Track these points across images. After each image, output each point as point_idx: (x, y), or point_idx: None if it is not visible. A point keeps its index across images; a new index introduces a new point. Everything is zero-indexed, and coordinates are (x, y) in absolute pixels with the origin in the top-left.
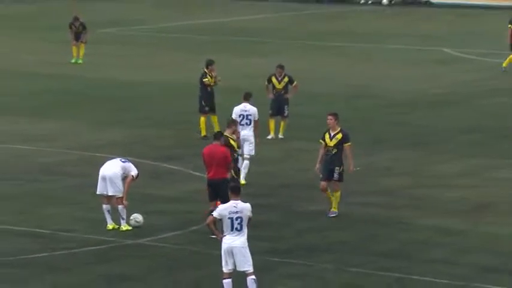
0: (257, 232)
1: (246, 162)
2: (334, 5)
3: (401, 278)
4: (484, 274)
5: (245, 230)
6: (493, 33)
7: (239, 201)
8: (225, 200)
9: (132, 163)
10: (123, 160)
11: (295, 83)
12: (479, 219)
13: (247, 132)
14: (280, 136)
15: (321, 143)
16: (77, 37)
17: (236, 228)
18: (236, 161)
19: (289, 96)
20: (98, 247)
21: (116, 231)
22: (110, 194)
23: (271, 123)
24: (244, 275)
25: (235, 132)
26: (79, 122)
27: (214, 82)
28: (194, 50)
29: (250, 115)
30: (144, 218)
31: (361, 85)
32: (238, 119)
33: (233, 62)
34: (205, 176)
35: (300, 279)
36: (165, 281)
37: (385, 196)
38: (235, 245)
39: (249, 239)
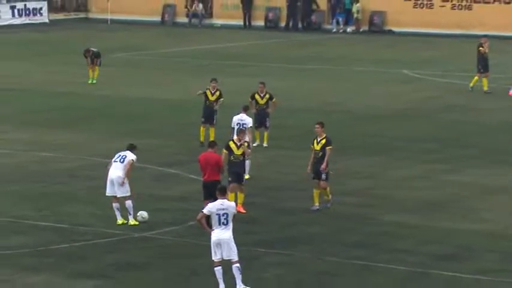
0: (246, 227)
1: (247, 161)
2: (309, 33)
3: (369, 265)
4: (439, 262)
5: (231, 224)
6: (447, 57)
7: (225, 200)
8: (216, 199)
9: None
10: (121, 160)
11: (274, 99)
12: (434, 216)
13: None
14: (264, 145)
15: (311, 148)
16: (92, 61)
17: (223, 223)
18: (236, 164)
19: (269, 111)
20: (109, 239)
21: (125, 225)
22: (118, 195)
23: (256, 134)
24: (230, 263)
25: (242, 139)
26: (94, 133)
27: (216, 100)
28: (192, 72)
29: (245, 124)
30: (149, 215)
31: (333, 102)
32: (236, 127)
33: (224, 81)
34: (201, 178)
35: (283, 268)
36: (166, 268)
37: (354, 196)
38: (222, 238)
39: (235, 232)
